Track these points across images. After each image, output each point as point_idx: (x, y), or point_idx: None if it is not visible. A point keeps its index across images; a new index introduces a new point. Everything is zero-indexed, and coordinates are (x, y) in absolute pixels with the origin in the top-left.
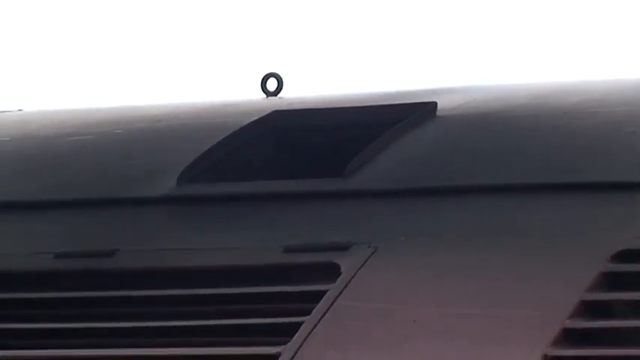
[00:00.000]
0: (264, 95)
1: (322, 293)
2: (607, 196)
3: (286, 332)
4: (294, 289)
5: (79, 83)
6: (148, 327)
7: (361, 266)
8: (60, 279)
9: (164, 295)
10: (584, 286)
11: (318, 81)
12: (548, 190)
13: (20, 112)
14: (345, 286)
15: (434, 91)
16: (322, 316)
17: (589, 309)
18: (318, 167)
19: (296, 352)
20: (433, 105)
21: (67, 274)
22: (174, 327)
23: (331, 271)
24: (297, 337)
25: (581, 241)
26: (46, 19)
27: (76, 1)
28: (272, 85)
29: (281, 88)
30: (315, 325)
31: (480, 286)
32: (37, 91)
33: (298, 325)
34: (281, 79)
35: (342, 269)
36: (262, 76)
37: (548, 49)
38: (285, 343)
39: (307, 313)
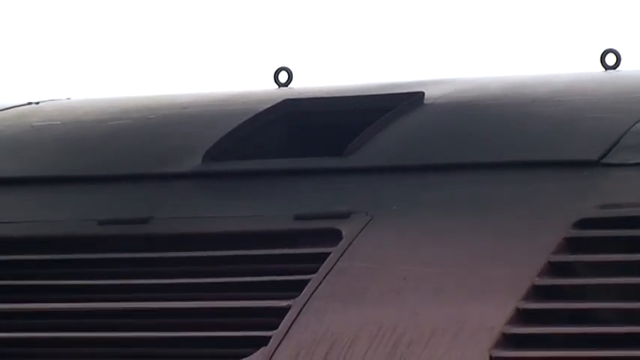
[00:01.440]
0: (277, 86)
1: (326, 255)
2: (570, 172)
3: (295, 288)
4: (302, 252)
5: (116, 74)
6: (173, 283)
7: (360, 232)
8: (102, 242)
9: (189, 257)
10: (551, 249)
11: (324, 73)
12: (518, 167)
13: (69, 100)
14: (346, 249)
15: (423, 83)
16: (326, 275)
17: (555, 269)
18: (323, 147)
19: (304, 305)
20: (421, 94)
21: (108, 237)
22: (197, 283)
23: (334, 236)
24: (305, 292)
25: (547, 211)
26: (82, 19)
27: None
28: (283, 77)
29: (291, 80)
30: (320, 282)
31: (460, 249)
32: (83, 81)
33: (306, 282)
34: (291, 72)
35: (343, 234)
36: (275, 70)
37: (527, 45)
38: (294, 297)
39: (314, 271)
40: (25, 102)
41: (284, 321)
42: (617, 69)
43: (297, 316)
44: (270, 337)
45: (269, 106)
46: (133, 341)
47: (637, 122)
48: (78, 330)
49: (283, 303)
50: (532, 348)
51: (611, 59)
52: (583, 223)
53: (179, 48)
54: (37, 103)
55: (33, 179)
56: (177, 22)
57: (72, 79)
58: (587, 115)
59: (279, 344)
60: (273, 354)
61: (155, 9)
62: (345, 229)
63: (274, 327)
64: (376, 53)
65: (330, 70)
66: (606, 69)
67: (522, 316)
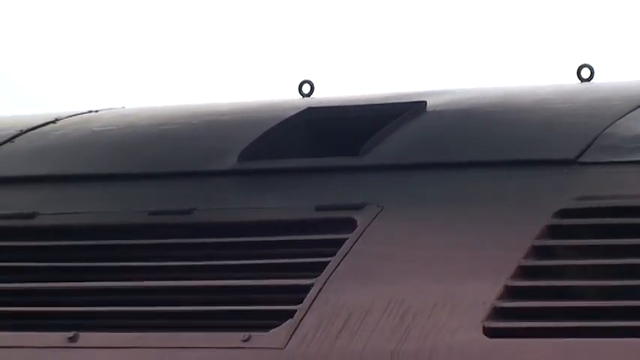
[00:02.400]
0: (300, 96)
1: (343, 240)
2: (551, 170)
3: (317, 268)
4: (322, 237)
5: (164, 85)
6: (212, 265)
7: (372, 220)
8: (152, 229)
9: (225, 242)
10: (534, 235)
11: (341, 84)
12: (507, 165)
13: (123, 108)
14: (360, 235)
15: (426, 93)
16: (344, 257)
17: (538, 252)
18: (340, 148)
19: (325, 283)
20: (424, 103)
21: (157, 225)
22: (232, 265)
23: (350, 224)
24: (325, 272)
25: (531, 203)
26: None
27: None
28: (306, 88)
29: (313, 91)
30: (339, 263)
31: (457, 236)
32: (136, 91)
33: (326, 263)
34: (313, 84)
35: (358, 223)
36: (299, 82)
37: (514, 60)
38: (316, 276)
39: (333, 254)
40: (87, 110)
41: (307, 296)
42: (591, 81)
43: (318, 293)
44: (295, 311)
45: (294, 113)
46: (177, 314)
47: (608, 126)
48: (133, 305)
49: (307, 281)
50: (519, 320)
51: (585, 73)
52: (562, 213)
53: (218, 64)
54: (97, 111)
55: (94, 176)
56: (217, 43)
57: (127, 91)
58: (566, 120)
59: (303, 316)
60: (298, 325)
61: (196, 32)
62: (360, 218)
63: (299, 302)
64: (386, 67)
65: (346, 82)
66: (582, 81)
67: (511, 293)
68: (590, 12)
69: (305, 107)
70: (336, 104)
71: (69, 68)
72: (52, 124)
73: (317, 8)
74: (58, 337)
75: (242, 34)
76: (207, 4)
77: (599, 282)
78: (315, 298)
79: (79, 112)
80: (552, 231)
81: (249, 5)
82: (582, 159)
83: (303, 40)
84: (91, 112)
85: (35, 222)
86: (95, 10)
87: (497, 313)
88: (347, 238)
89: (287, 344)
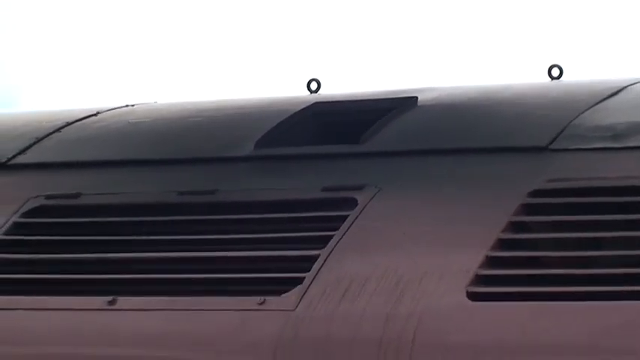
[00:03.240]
0: (309, 92)
1: (346, 216)
2: (525, 155)
3: (323, 241)
4: (327, 214)
5: (192, 82)
6: (232, 238)
7: (371, 199)
8: (181, 207)
9: (244, 218)
10: (511, 212)
11: (345, 82)
12: (487, 152)
13: (156, 103)
14: (360, 212)
15: (417, 90)
16: (346, 231)
17: (514, 227)
18: (343, 137)
19: (329, 254)
20: (415, 98)
21: (185, 204)
22: (249, 238)
23: (351, 203)
24: (330, 244)
25: (508, 184)
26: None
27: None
28: (314, 86)
29: (319, 87)
30: (342, 237)
31: (444, 213)
32: (167, 87)
33: (330, 237)
34: (319, 81)
35: (359, 201)
36: (307, 80)
37: (493, 61)
38: (322, 248)
39: (336, 229)
40: (123, 104)
41: (314, 266)
42: (560, 79)
43: (324, 262)
44: (304, 278)
45: (303, 107)
46: (201, 280)
47: (575, 118)
48: (163, 273)
49: (314, 252)
50: (498, 285)
51: (555, 72)
52: (535, 193)
53: (238, 64)
54: (133, 105)
55: (130, 161)
56: (236, 46)
57: (159, 87)
58: (539, 113)
59: (311, 283)
60: (306, 290)
61: (215, 36)
62: (360, 197)
63: (307, 270)
64: (384, 67)
65: (349, 80)
66: (552, 79)
67: (491, 262)
68: (559, 18)
69: (312, 102)
70: (340, 99)
71: (65, 68)
72: (93, 117)
73: (325, 15)
74: (99, 301)
75: (260, 37)
76: (227, 8)
77: (567, 253)
78: (321, 267)
79: (117, 107)
80: (526, 209)
81: (267, 11)
82: (553, 146)
83: (311, 43)
84: (127, 106)
85: (80, 201)
86: (105, 9)
87: (479, 279)
88: (349, 215)
89: (297, 307)
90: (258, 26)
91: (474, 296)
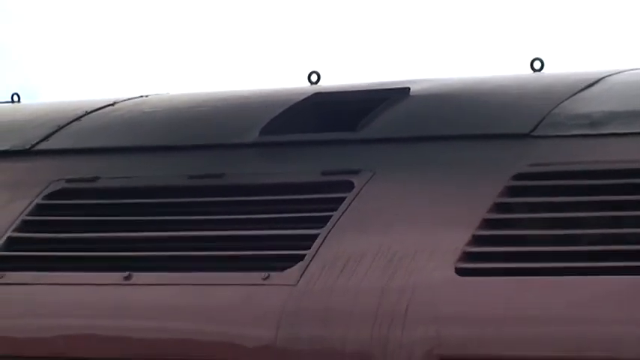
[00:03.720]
0: (309, 84)
1: (343, 198)
2: (509, 141)
3: (322, 221)
4: (327, 196)
5: (201, 74)
6: (238, 218)
7: (366, 183)
8: (191, 189)
9: (249, 200)
10: (496, 194)
11: (343, 74)
12: (474, 138)
13: (168, 93)
14: (357, 195)
15: (409, 81)
16: (343, 212)
17: (499, 207)
18: (340, 124)
19: (328, 232)
20: (408, 89)
21: (195, 187)
22: (254, 218)
23: (349, 186)
24: (329, 224)
25: (493, 168)
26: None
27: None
28: (314, 77)
29: (319, 79)
30: (340, 217)
31: (434, 195)
32: (180, 78)
33: (329, 217)
34: (319, 74)
35: (355, 184)
36: (308, 72)
37: (480, 54)
38: (322, 227)
39: (335, 210)
40: (138, 95)
41: (314, 244)
42: (542, 71)
43: (323, 240)
44: (305, 255)
45: (304, 97)
46: (210, 257)
47: (555, 107)
48: (175, 250)
49: (314, 231)
50: (484, 262)
51: (537, 64)
52: (518, 176)
53: (245, 58)
54: (147, 96)
55: (144, 147)
56: (244, 41)
57: (171, 78)
58: (522, 102)
59: (311, 259)
60: (307, 266)
61: (222, 32)
62: (356, 181)
63: (308, 248)
64: (379, 59)
65: (347, 72)
66: (534, 71)
67: (477, 240)
68: (542, 14)
69: (313, 92)
70: (338, 90)
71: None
72: (110, 107)
73: (325, 12)
74: (115, 276)
75: (265, 34)
76: (236, 7)
77: (548, 231)
78: (320, 245)
79: (132, 97)
80: (510, 191)
81: (273, 10)
82: (534, 133)
83: (312, 38)
84: (142, 96)
85: (98, 184)
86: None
87: (466, 256)
88: (346, 197)
89: (298, 282)
90: (264, 23)
91: (461, 272)
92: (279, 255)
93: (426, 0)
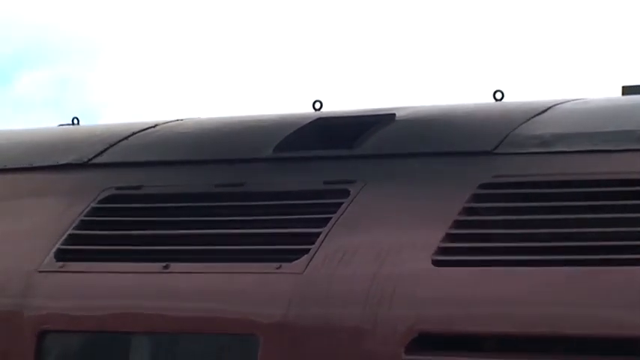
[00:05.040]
0: (313, 110)
1: (341, 203)
2: (476, 158)
3: (323, 222)
4: (327, 201)
5: (232, 101)
6: (255, 219)
7: (360, 191)
8: (216, 196)
9: (264, 204)
10: (464, 200)
11: (342, 102)
12: (446, 155)
13: (199, 118)
14: (352, 200)
15: (395, 108)
16: (341, 214)
17: (467, 211)
18: (340, 143)
19: (329, 231)
20: (393, 114)
21: (220, 193)
22: (267, 219)
23: (345, 193)
24: (330, 224)
25: (462, 179)
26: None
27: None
28: (317, 105)
29: (322, 106)
30: (338, 218)
31: (414, 201)
32: (210, 104)
33: (329, 218)
34: (322, 102)
35: (351, 192)
36: (312, 101)
37: (451, 88)
38: (324, 226)
39: (334, 212)
40: (175, 119)
41: (318, 240)
42: (502, 100)
43: (325, 237)
44: (310, 249)
45: (310, 120)
46: (233, 251)
47: (514, 129)
48: (204, 244)
49: (317, 230)
50: (455, 255)
51: (498, 95)
52: (483, 186)
53: (263, 90)
54: (182, 119)
55: (179, 161)
56: (260, 77)
57: (202, 104)
58: (486, 125)
59: (315, 253)
60: (312, 258)
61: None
62: (352, 189)
63: (312, 243)
64: (370, 90)
65: (344, 100)
66: (496, 100)
67: (450, 238)
68: (503, 54)
69: (317, 117)
70: (337, 115)
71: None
72: (152, 128)
73: (329, 54)
74: (156, 266)
75: (280, 72)
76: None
77: (508, 230)
78: (323, 241)
79: (170, 120)
80: (477, 197)
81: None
82: (497, 151)
83: (317, 74)
84: (178, 120)
85: (141, 191)
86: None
87: (441, 250)
88: (343, 202)
89: (305, 270)
90: (281, 65)
91: (437, 263)
92: (289, 249)
93: (410, 45)
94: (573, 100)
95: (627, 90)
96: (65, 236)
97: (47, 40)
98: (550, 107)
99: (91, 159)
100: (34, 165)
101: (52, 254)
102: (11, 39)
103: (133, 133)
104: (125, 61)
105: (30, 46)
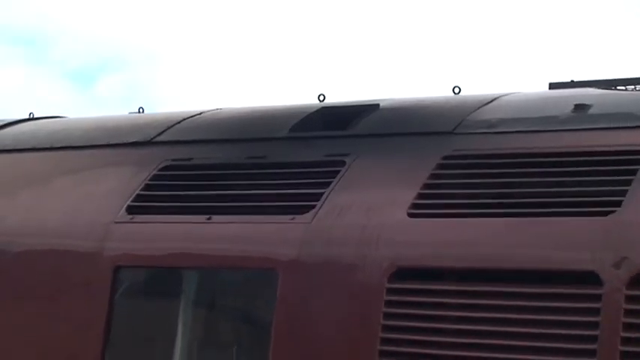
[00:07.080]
0: (318, 101)
1: (339, 170)
2: (439, 136)
3: (326, 185)
4: (329, 169)
5: (258, 92)
6: (272, 183)
7: (353, 161)
8: (243, 165)
9: (281, 172)
10: (431, 168)
11: (341, 95)
12: (418, 134)
13: (232, 107)
14: (347, 169)
15: (380, 99)
16: (340, 179)
17: (433, 176)
18: (338, 126)
19: (331, 191)
20: (378, 104)
21: (245, 163)
22: (283, 183)
23: (342, 163)
24: (330, 186)
25: (429, 152)
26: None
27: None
28: (321, 97)
29: (325, 98)
30: (337, 182)
31: (394, 169)
32: (243, 96)
33: (330, 182)
34: (325, 95)
35: (346, 162)
36: (318, 94)
37: (421, 83)
38: (327, 187)
39: (334, 177)
40: (216, 108)
41: (321, 198)
42: (460, 94)
43: (328, 195)
44: (316, 205)
45: (316, 109)
46: (257, 207)
47: (468, 115)
48: (235, 201)
49: (322, 190)
50: (426, 209)
51: (457, 90)
52: (446, 157)
53: (282, 86)
54: (221, 108)
55: (219, 140)
56: (280, 74)
57: (236, 94)
58: (447, 112)
59: (320, 207)
60: (317, 212)
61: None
62: (348, 159)
63: (317, 200)
64: (361, 86)
65: (342, 93)
66: (455, 94)
67: (421, 196)
68: (462, 53)
69: (320, 107)
70: (337, 105)
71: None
72: (198, 115)
73: (331, 48)
74: (201, 218)
75: (293, 71)
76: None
77: (465, 190)
78: (326, 199)
79: (212, 109)
80: (441, 166)
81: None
82: (455, 131)
83: (322, 72)
84: (218, 109)
85: (191, 162)
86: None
87: (414, 206)
88: (341, 170)
89: (312, 221)
90: (296, 66)
91: (411, 215)
92: (300, 205)
93: (392, 45)
94: (513, 93)
95: (553, 86)
96: (134, 195)
97: (120, 50)
98: (496, 98)
99: (152, 138)
100: (111, 143)
101: (124, 209)
102: (95, 50)
103: (184, 119)
104: (178, 66)
105: (108, 56)
